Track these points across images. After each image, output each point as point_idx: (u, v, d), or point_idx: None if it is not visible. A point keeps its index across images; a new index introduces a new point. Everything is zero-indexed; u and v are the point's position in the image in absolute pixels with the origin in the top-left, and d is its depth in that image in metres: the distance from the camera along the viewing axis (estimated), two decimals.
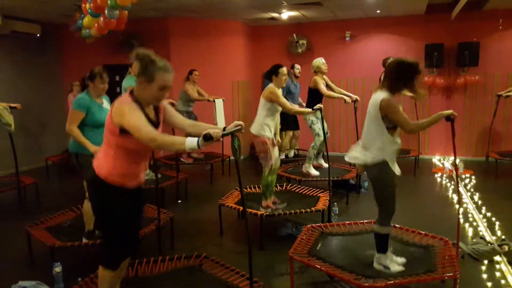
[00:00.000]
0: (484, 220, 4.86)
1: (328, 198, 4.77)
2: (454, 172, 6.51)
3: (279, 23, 9.30)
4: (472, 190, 6.18)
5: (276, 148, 4.74)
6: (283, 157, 7.42)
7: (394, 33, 8.82)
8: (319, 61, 6.18)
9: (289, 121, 7.47)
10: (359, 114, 6.29)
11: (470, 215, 5.05)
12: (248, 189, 5.34)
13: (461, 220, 4.61)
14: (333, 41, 9.26)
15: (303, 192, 5.24)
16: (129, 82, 5.57)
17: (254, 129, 4.59)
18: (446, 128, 8.44)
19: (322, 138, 6.04)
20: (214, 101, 7.48)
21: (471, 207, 5.37)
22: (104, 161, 2.58)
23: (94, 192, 2.65)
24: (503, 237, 4.19)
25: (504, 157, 7.09)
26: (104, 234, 2.72)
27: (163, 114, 2.74)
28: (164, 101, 2.72)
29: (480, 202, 5.53)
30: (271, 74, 4.64)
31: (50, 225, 4.24)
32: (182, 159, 7.33)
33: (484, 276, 3.48)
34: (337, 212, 4.89)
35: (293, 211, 4.42)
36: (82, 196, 4.10)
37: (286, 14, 8.37)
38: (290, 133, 7.74)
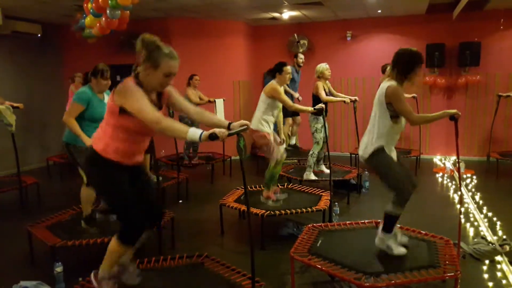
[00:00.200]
0: (485, 220, 4.85)
1: (329, 198, 4.77)
2: (456, 172, 6.48)
3: (280, 23, 9.30)
4: (473, 190, 6.17)
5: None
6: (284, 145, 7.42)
7: (395, 33, 8.82)
8: (323, 67, 6.12)
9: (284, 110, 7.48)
10: (359, 114, 6.30)
11: (471, 215, 5.04)
12: (249, 188, 5.34)
13: (462, 220, 4.60)
14: (334, 41, 9.26)
15: (304, 192, 5.23)
16: None
17: (253, 124, 4.60)
18: (447, 128, 8.50)
19: (320, 147, 6.03)
20: (214, 101, 7.50)
21: (472, 207, 5.37)
22: (102, 137, 2.63)
23: (91, 167, 2.69)
24: (504, 237, 4.18)
25: (505, 157, 7.09)
26: (114, 209, 2.74)
27: (169, 99, 2.76)
28: (169, 87, 2.73)
29: (481, 202, 5.53)
30: (275, 71, 4.65)
31: (51, 225, 4.24)
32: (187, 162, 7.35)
33: (485, 276, 3.47)
34: (338, 212, 4.89)
35: (294, 211, 4.41)
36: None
37: (287, 14, 8.37)
38: (290, 120, 7.70)
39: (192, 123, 7.20)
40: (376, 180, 6.83)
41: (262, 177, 4.76)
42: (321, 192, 5.08)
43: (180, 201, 6.00)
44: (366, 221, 4.05)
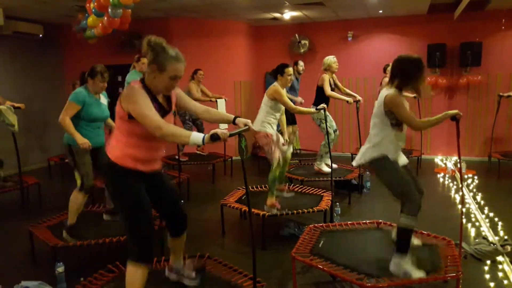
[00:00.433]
0: (487, 220, 4.85)
1: (330, 198, 4.77)
2: (458, 172, 6.47)
3: (281, 23, 9.30)
4: (474, 190, 6.17)
5: (282, 141, 4.77)
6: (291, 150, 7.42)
7: (397, 33, 8.81)
8: (331, 59, 6.09)
9: (286, 117, 7.47)
10: (361, 114, 6.29)
11: (472, 215, 5.04)
12: (250, 188, 5.34)
13: (464, 220, 4.60)
14: (335, 41, 9.25)
15: (306, 192, 5.23)
16: (133, 77, 5.61)
17: (255, 126, 4.57)
18: (448, 128, 8.49)
19: (331, 135, 6.00)
20: (216, 101, 7.50)
21: (473, 207, 5.36)
22: (115, 145, 2.59)
23: (108, 176, 2.63)
24: (505, 237, 4.17)
25: (506, 157, 7.08)
26: (126, 223, 2.60)
27: (176, 100, 2.75)
28: (176, 88, 2.72)
29: (482, 202, 5.52)
30: (277, 73, 4.63)
31: (53, 225, 4.24)
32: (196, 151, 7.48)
33: (487, 276, 3.47)
34: (340, 212, 4.89)
35: (295, 211, 4.41)
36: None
37: (288, 14, 8.37)
38: (290, 128, 7.70)
39: (193, 119, 7.23)
40: (377, 180, 6.86)
41: (263, 177, 4.76)
42: (322, 192, 5.08)
43: (181, 201, 5.96)
44: (368, 221, 4.05)
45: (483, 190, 6.09)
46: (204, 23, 8.83)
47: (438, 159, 8.59)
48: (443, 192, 6.28)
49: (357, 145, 7.92)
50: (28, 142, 8.44)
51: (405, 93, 3.29)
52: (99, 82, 3.99)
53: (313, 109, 4.96)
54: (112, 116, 4.26)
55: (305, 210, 4.42)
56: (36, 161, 8.62)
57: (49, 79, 9.13)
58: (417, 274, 2.95)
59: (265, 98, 4.63)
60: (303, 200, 4.87)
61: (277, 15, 8.41)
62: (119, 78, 8.85)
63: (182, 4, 7.27)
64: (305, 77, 7.76)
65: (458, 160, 3.46)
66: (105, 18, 5.78)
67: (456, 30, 8.35)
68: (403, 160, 3.27)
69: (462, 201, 3.61)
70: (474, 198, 5.75)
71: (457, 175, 7.19)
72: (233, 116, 2.76)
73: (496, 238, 4.22)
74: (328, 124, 5.92)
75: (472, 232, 4.49)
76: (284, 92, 4.62)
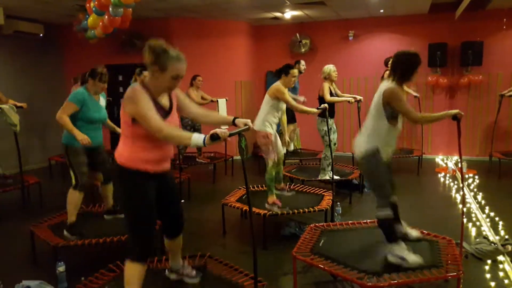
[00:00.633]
0: (488, 219, 4.85)
1: (331, 198, 4.78)
2: (458, 171, 6.47)
3: (282, 22, 9.30)
4: (475, 189, 6.16)
5: (279, 141, 4.81)
6: (284, 151, 7.42)
7: (398, 32, 8.81)
8: (330, 68, 6.10)
9: (287, 114, 7.48)
10: (363, 114, 6.26)
11: (473, 215, 5.04)
12: (251, 188, 5.34)
13: (464, 220, 4.60)
14: (336, 40, 9.25)
15: (307, 192, 5.23)
16: None
17: (256, 125, 4.58)
18: (449, 128, 8.49)
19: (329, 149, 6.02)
20: (217, 101, 7.51)
21: (474, 206, 5.36)
22: (123, 149, 2.60)
23: (118, 180, 2.65)
24: (506, 236, 4.17)
25: (507, 156, 7.07)
26: (128, 223, 2.66)
27: (177, 102, 2.75)
28: (177, 90, 2.74)
29: (483, 201, 5.52)
30: (281, 72, 4.64)
31: (54, 225, 4.25)
32: (197, 160, 7.47)
33: (488, 275, 3.47)
34: (340, 211, 4.89)
35: (296, 211, 4.41)
36: (84, 195, 4.12)
37: (289, 14, 8.37)
38: (291, 126, 7.70)
39: (192, 123, 7.22)
40: None
41: (264, 177, 4.76)
42: (323, 192, 5.08)
43: (182, 200, 5.96)
44: (368, 220, 4.05)
45: (484, 190, 6.08)
46: (204, 23, 8.83)
47: (439, 159, 8.59)
48: (444, 192, 6.28)
49: None
50: (29, 142, 8.45)
51: (407, 89, 3.33)
52: (99, 83, 4.01)
53: (314, 109, 4.96)
54: (114, 119, 4.27)
55: (306, 210, 4.42)
56: (37, 161, 8.63)
57: (49, 78, 9.15)
58: (413, 258, 3.06)
59: (267, 97, 4.64)
60: (304, 200, 4.87)
61: (278, 14, 8.41)
62: (120, 78, 8.87)
63: (183, 4, 7.27)
64: (305, 77, 7.77)
65: (459, 160, 3.46)
66: (106, 17, 5.78)
67: (457, 30, 8.34)
68: (388, 156, 3.34)
69: (463, 201, 3.60)
70: (475, 198, 5.74)
71: (458, 174, 7.19)
72: (232, 118, 2.76)
73: (497, 237, 4.22)
74: (332, 135, 5.89)
75: (473, 231, 4.49)
76: (286, 90, 4.63)
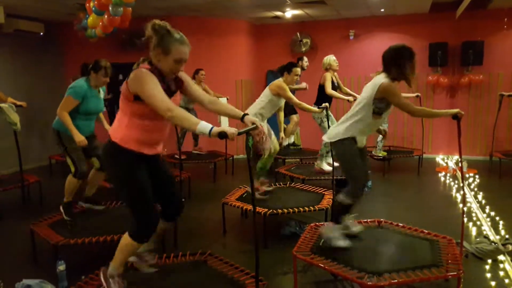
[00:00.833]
0: (488, 219, 4.85)
1: (331, 196, 4.77)
2: (459, 171, 6.47)
3: (283, 21, 9.29)
4: (475, 189, 6.16)
5: (273, 134, 4.82)
6: (285, 143, 7.43)
7: (398, 31, 8.79)
8: (330, 58, 6.13)
9: (287, 107, 7.47)
10: None
11: (473, 214, 5.03)
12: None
13: (465, 219, 4.60)
14: (337, 40, 9.24)
15: (307, 191, 5.23)
16: None
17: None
18: (449, 127, 8.49)
19: None
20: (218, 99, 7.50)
21: (474, 206, 5.36)
22: (118, 127, 2.60)
23: (109, 158, 2.64)
24: (506, 236, 4.17)
25: (508, 156, 7.07)
26: (127, 204, 2.69)
27: (185, 87, 2.75)
28: (183, 73, 2.72)
29: (483, 201, 5.52)
30: (284, 70, 4.64)
31: (54, 223, 4.25)
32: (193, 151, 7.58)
33: (488, 275, 3.47)
34: None
35: (296, 210, 4.41)
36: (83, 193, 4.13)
37: (290, 13, 8.36)
38: (295, 117, 7.66)
39: (186, 105, 7.26)
40: (378, 179, 6.86)
41: (260, 159, 4.74)
42: (324, 191, 5.07)
43: (183, 199, 5.98)
44: (369, 220, 4.05)
45: (484, 189, 6.08)
46: (205, 22, 8.83)
47: (439, 158, 8.59)
48: (444, 191, 6.28)
49: None
50: (29, 140, 8.44)
51: (406, 94, 3.35)
52: (102, 77, 3.99)
53: (315, 108, 4.97)
54: (114, 117, 4.27)
55: (306, 209, 4.41)
56: (37, 159, 8.63)
57: (49, 77, 9.14)
58: (338, 242, 3.32)
59: (267, 92, 4.61)
60: (304, 199, 4.87)
61: (278, 13, 8.40)
62: (120, 77, 8.85)
63: (184, 2, 7.26)
64: (305, 77, 7.75)
65: (460, 159, 3.45)
66: (106, 16, 5.77)
67: (458, 29, 8.34)
68: (362, 142, 3.43)
69: (463, 200, 3.60)
70: (475, 197, 5.74)
71: (458, 174, 7.18)
72: (242, 113, 2.68)
73: (497, 237, 4.22)
74: (330, 123, 5.91)
75: (473, 231, 4.49)
76: (287, 88, 4.63)
